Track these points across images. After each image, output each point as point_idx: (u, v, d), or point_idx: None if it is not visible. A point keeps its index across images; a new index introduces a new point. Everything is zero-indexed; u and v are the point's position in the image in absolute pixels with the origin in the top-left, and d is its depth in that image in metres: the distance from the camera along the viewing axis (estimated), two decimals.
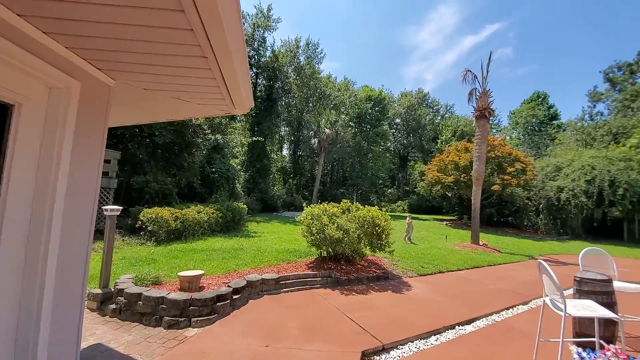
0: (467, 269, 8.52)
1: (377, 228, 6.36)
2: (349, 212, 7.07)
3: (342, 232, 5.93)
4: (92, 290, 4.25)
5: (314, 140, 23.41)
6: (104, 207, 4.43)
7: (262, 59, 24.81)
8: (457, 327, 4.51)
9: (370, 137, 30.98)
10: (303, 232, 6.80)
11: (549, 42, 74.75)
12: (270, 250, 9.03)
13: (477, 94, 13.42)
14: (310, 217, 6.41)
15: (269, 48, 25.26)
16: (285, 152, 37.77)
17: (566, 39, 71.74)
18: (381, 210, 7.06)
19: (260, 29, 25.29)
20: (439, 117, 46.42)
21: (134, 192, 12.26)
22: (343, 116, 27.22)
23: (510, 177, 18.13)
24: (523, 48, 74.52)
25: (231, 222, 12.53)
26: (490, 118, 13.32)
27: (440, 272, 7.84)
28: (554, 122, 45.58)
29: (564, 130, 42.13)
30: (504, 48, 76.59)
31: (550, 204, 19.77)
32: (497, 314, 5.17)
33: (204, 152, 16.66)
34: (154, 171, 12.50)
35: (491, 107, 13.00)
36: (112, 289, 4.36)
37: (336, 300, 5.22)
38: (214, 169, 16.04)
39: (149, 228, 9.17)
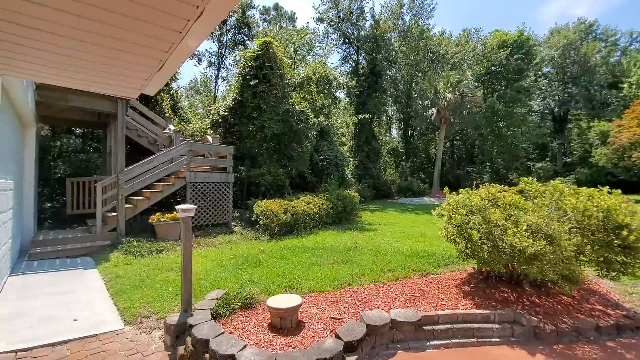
0: None
1: (619, 232, 3.17)
2: (533, 199, 4.06)
3: (542, 240, 3.12)
4: (169, 318, 3.25)
5: (432, 111, 19.25)
6: (176, 207, 3.35)
7: (362, 32, 22.32)
8: None
9: (509, 96, 23.65)
10: (449, 235, 4.30)
11: None
12: (392, 251, 6.94)
13: None
14: (465, 211, 3.84)
15: (368, 18, 22.48)
16: (394, 132, 34.33)
17: None
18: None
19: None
20: (618, 53, 31.57)
21: (253, 186, 12.54)
22: (469, 73, 21.50)
23: None
24: None
25: (342, 213, 11.11)
26: None
27: None
28: None
29: None
30: None
31: None
32: None
33: (311, 139, 16.00)
34: (267, 163, 12.46)
35: None
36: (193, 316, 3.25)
37: None
38: (322, 157, 15.10)
39: (261, 222, 8.69)
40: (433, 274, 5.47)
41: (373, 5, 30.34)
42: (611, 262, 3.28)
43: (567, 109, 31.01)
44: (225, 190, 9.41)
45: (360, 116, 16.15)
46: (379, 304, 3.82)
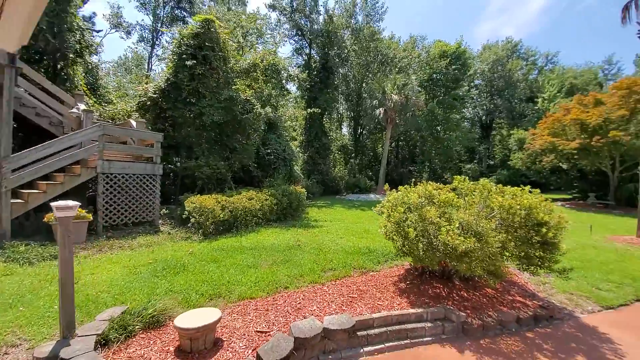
0: None
1: (539, 228, 3.34)
2: (465, 196, 4.15)
3: (472, 237, 3.12)
4: (39, 348, 2.44)
5: (379, 111, 19.90)
6: (52, 204, 2.53)
7: (315, 26, 21.97)
8: None
9: (446, 102, 25.74)
10: (388, 233, 4.18)
11: None
12: (335, 249, 6.77)
13: None
14: (402, 209, 3.72)
15: (321, 11, 22.20)
16: (345, 130, 34.98)
17: None
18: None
19: None
20: (536, 71, 36.89)
21: (187, 179, 11.32)
22: (414, 77, 22.74)
23: None
24: None
25: (288, 209, 10.67)
26: None
27: (639, 300, 4.38)
28: None
29: None
30: None
31: None
32: None
33: (258, 131, 15.18)
34: (205, 155, 11.33)
35: None
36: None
37: None
38: (269, 150, 14.39)
39: (193, 220, 7.79)
40: (373, 271, 5.40)
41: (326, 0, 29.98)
42: (531, 257, 3.47)
43: (492, 118, 35.18)
44: (150, 183, 8.22)
45: (310, 110, 15.82)
46: (314, 310, 3.50)
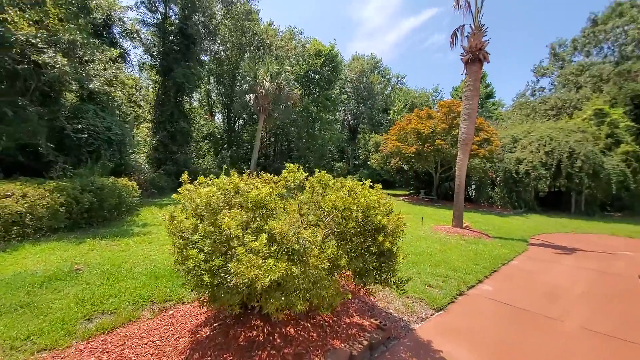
0: (486, 276, 5.33)
1: (376, 235, 2.39)
2: (294, 192, 2.95)
3: (285, 259, 1.79)
4: None
5: (250, 96, 18.01)
6: None
7: None
8: None
9: (320, 101, 26.64)
10: (175, 254, 2.46)
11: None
12: (140, 271, 4.63)
13: (469, 31, 10.08)
14: (184, 215, 2.07)
15: None
16: (219, 117, 31.23)
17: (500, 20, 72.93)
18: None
19: None
20: (390, 88, 44.20)
21: None
22: (288, 67, 21.97)
23: (476, 147, 16.06)
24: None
25: (97, 211, 7.38)
26: (484, 63, 10.18)
27: (460, 294, 4.43)
28: (489, 100, 47.22)
29: (499, 107, 44.00)
30: (438, 34, 75.49)
31: (508, 177, 18.68)
32: None
33: (71, 100, 10.44)
34: None
35: (485, 50, 9.83)
36: None
37: None
38: (81, 126, 10.07)
39: None
40: (182, 302, 3.61)
41: None
42: (367, 275, 2.58)
43: (358, 123, 39.66)
44: None
45: (147, 72, 12.16)
46: None
